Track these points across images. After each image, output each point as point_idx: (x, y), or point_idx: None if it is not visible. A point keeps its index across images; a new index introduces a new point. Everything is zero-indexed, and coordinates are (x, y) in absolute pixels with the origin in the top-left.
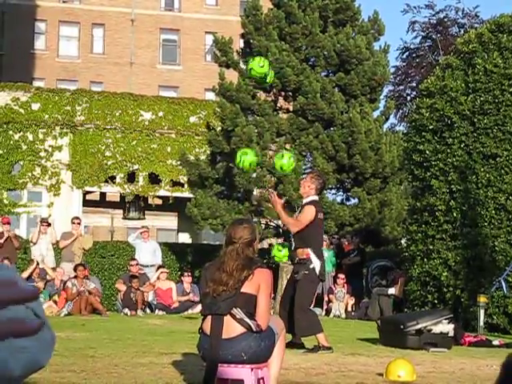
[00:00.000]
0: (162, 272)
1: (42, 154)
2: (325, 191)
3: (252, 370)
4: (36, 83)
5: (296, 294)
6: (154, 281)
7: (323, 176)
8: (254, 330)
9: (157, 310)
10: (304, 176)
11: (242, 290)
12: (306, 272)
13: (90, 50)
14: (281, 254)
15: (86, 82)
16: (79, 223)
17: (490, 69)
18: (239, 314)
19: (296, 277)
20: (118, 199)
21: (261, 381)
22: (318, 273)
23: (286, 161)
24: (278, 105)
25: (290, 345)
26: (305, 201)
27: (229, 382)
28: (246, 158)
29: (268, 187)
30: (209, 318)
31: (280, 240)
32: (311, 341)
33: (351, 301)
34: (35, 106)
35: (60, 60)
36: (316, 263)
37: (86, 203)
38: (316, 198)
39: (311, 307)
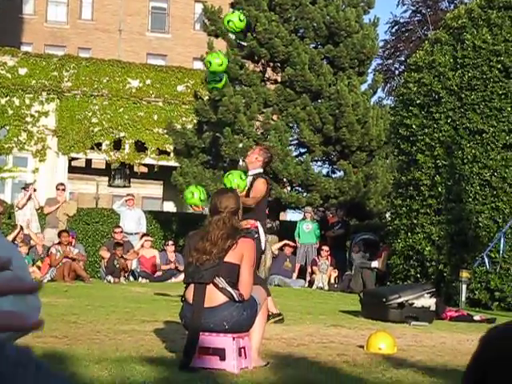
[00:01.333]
0: (146, 240)
1: (28, 119)
2: (311, 163)
3: (234, 339)
4: (24, 48)
5: None
6: (138, 249)
7: (271, 151)
8: (237, 299)
9: (140, 278)
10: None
11: (225, 260)
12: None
13: (78, 16)
14: (193, 198)
15: (74, 48)
16: (64, 189)
17: (478, 45)
18: (222, 283)
19: None
20: (103, 166)
21: (242, 350)
22: (262, 245)
23: (236, 18)
24: (266, 75)
25: None
26: (251, 172)
27: (210, 350)
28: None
29: None
30: (191, 286)
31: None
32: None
33: (334, 273)
34: (22, 71)
35: (48, 25)
36: (262, 236)
37: (72, 170)
38: (261, 170)
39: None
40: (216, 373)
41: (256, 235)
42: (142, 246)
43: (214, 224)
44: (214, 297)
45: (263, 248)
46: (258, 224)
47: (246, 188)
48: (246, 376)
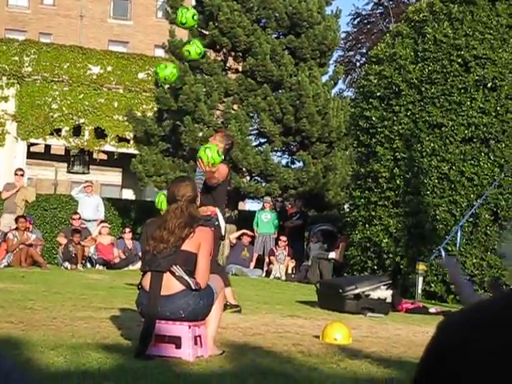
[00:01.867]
0: (103, 226)
1: None
2: (270, 153)
3: (190, 327)
4: None
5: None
6: (96, 235)
7: (232, 138)
8: (193, 287)
9: (97, 265)
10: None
11: (182, 248)
12: (212, 228)
13: (40, 1)
14: (164, 72)
15: (35, 33)
16: (22, 175)
17: (439, 38)
18: (178, 271)
19: None
20: (62, 152)
21: (198, 338)
22: (222, 231)
23: (169, 71)
24: (228, 65)
25: None
26: None
27: (166, 338)
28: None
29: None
30: (148, 274)
31: None
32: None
33: (292, 263)
34: None
35: (9, 9)
36: (221, 222)
37: (31, 155)
38: (222, 157)
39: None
40: (171, 361)
41: (216, 222)
42: (100, 232)
43: (172, 212)
44: (171, 285)
45: (223, 234)
46: (217, 211)
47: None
48: (202, 364)
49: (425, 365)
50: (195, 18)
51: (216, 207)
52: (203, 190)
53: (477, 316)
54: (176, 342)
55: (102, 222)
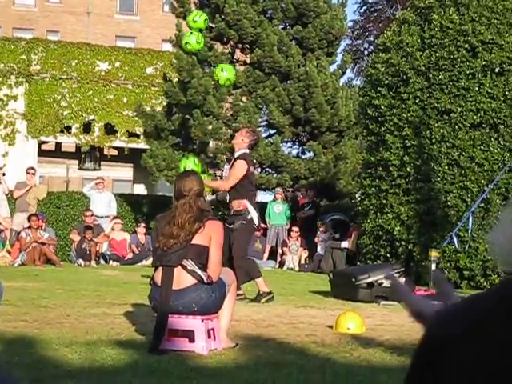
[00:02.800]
0: (115, 223)
1: None
2: (280, 144)
3: (202, 320)
4: None
5: (234, 243)
6: (109, 232)
7: (257, 133)
8: (205, 281)
9: (111, 261)
10: (241, 127)
11: (192, 242)
12: (244, 222)
13: None
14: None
15: (43, 31)
16: (34, 173)
17: (445, 25)
18: (190, 265)
19: (232, 227)
20: (73, 149)
21: (211, 331)
22: (255, 223)
23: (193, 40)
24: (235, 57)
25: None
26: (236, 154)
27: (179, 332)
28: (223, 74)
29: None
30: (160, 269)
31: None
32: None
33: (305, 254)
34: None
35: (16, 8)
36: (253, 214)
37: (42, 153)
38: (247, 151)
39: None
40: (185, 355)
41: (249, 216)
42: (113, 228)
43: (180, 208)
44: (183, 279)
45: (256, 225)
46: (247, 203)
47: (227, 171)
48: (216, 358)
49: (416, 361)
50: (206, 22)
51: (245, 199)
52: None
53: (469, 312)
54: (189, 335)
55: (114, 217)
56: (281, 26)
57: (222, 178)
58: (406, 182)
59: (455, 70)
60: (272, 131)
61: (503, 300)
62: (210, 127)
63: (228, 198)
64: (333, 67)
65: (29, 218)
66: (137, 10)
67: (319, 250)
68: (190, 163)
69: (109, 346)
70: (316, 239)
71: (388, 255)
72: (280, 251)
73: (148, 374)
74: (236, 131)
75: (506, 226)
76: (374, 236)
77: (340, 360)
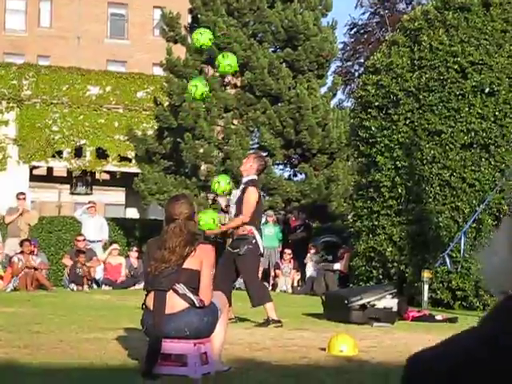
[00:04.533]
0: (113, 249)
1: None
2: (272, 167)
3: (195, 344)
4: None
5: (242, 268)
6: (105, 257)
7: (265, 159)
8: (197, 305)
9: (103, 285)
10: (248, 153)
11: (184, 266)
12: (250, 246)
13: (37, 24)
14: (221, 187)
15: (33, 56)
16: (24, 198)
17: (435, 46)
18: (182, 289)
19: (238, 251)
20: (65, 174)
21: (203, 356)
22: (260, 248)
23: (229, 61)
24: (226, 80)
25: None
26: (245, 179)
27: (172, 356)
28: (197, 89)
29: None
30: (152, 293)
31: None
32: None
33: (297, 276)
34: None
35: (7, 34)
36: (258, 239)
37: (33, 178)
38: (255, 177)
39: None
40: (178, 379)
41: (254, 240)
42: (110, 253)
43: (171, 232)
44: (175, 303)
45: (262, 251)
46: (253, 229)
47: (236, 196)
48: (209, 382)
49: None
50: (211, 39)
51: (251, 225)
52: (237, 209)
53: (448, 353)
54: (182, 360)
55: (112, 243)
56: (271, 49)
57: (222, 210)
58: (398, 203)
59: (445, 90)
60: (263, 154)
61: (484, 338)
62: (202, 150)
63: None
64: (323, 89)
65: (21, 243)
66: (127, 35)
67: (309, 270)
68: (223, 181)
69: (101, 371)
70: (306, 259)
71: (381, 276)
72: (273, 274)
73: None
74: (227, 154)
75: (499, 246)
76: (367, 257)
77: (333, 383)
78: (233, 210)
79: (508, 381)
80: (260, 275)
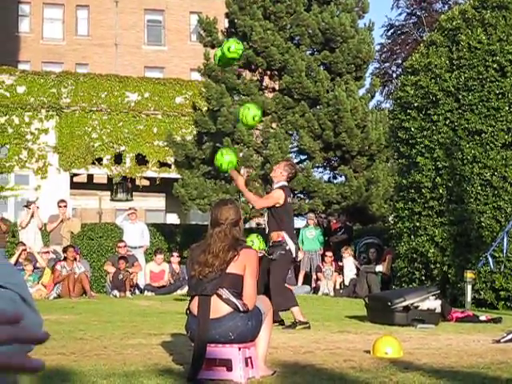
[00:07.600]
0: (159, 258)
1: (29, 136)
2: (312, 170)
3: (240, 349)
4: (21, 66)
5: (272, 272)
6: (148, 264)
7: (296, 166)
8: (241, 309)
9: (146, 291)
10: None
11: (227, 271)
12: (283, 252)
13: (74, 32)
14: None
15: (72, 64)
16: (66, 206)
17: (473, 45)
18: (226, 293)
19: (272, 257)
20: (105, 181)
21: (248, 360)
22: (293, 254)
23: (252, 112)
24: (264, 84)
25: None
26: (275, 186)
27: (217, 361)
28: (249, 112)
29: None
30: (196, 298)
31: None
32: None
33: (339, 278)
34: (20, 89)
35: (45, 42)
36: (291, 245)
37: (74, 185)
38: (286, 184)
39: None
40: None
41: (287, 247)
42: (156, 261)
43: (216, 236)
44: (219, 308)
45: (294, 256)
46: (285, 235)
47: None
48: None
49: None
50: (240, 52)
51: (283, 231)
52: (268, 215)
53: None
54: (227, 364)
55: (157, 250)
56: (308, 52)
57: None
58: (439, 204)
59: (485, 90)
60: (303, 157)
61: None
62: (241, 155)
63: (267, 229)
64: (362, 91)
65: (65, 250)
66: (164, 41)
67: (347, 274)
68: (228, 156)
69: (146, 377)
70: (341, 262)
71: (423, 278)
72: (314, 277)
73: None
74: (266, 158)
75: None
76: (409, 259)
77: None
78: (266, 227)
79: None
80: (302, 278)
